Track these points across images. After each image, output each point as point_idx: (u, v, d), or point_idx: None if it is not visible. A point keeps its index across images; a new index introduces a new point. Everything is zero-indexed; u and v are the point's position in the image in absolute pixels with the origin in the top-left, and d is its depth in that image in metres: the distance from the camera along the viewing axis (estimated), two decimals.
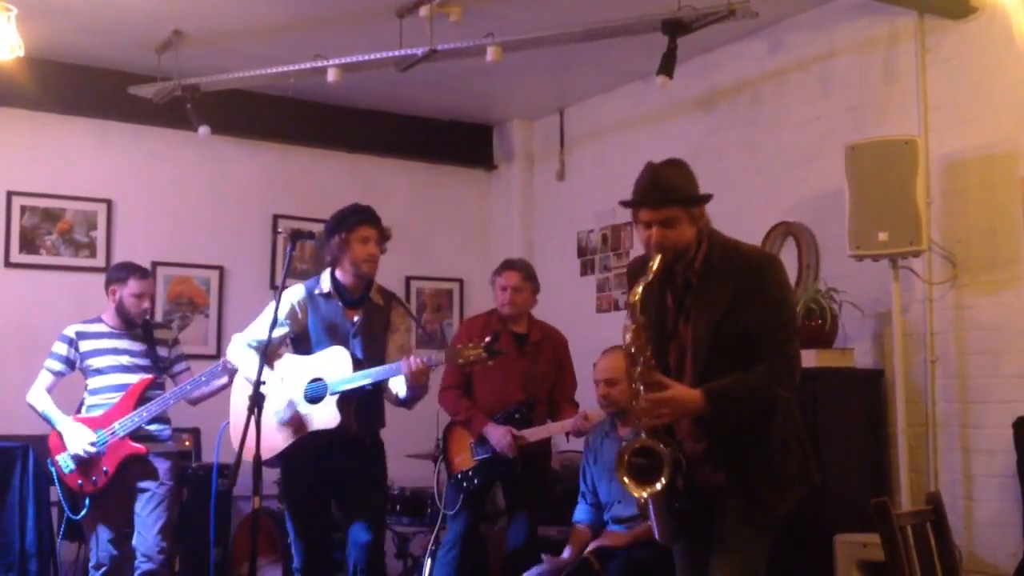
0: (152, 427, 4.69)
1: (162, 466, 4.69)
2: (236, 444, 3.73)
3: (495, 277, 5.06)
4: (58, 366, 4.73)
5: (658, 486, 3.01)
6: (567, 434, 4.95)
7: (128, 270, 4.76)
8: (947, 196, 4.77)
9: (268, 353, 4.10)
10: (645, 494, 3.05)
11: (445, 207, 7.51)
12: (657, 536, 3.22)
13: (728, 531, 3.09)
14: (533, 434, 4.83)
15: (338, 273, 4.24)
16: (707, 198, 3.17)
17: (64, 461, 4.61)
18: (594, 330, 6.51)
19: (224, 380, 4.66)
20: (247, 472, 3.71)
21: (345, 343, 4.14)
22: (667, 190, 3.09)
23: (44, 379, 4.72)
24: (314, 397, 4.08)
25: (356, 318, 4.21)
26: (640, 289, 3.07)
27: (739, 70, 5.85)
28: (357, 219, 4.16)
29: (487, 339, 3.88)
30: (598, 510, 4.62)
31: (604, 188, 6.66)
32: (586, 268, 6.96)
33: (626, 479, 3.07)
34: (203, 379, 4.67)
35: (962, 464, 4.67)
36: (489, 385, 4.94)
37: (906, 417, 4.63)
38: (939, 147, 4.80)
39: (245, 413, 3.78)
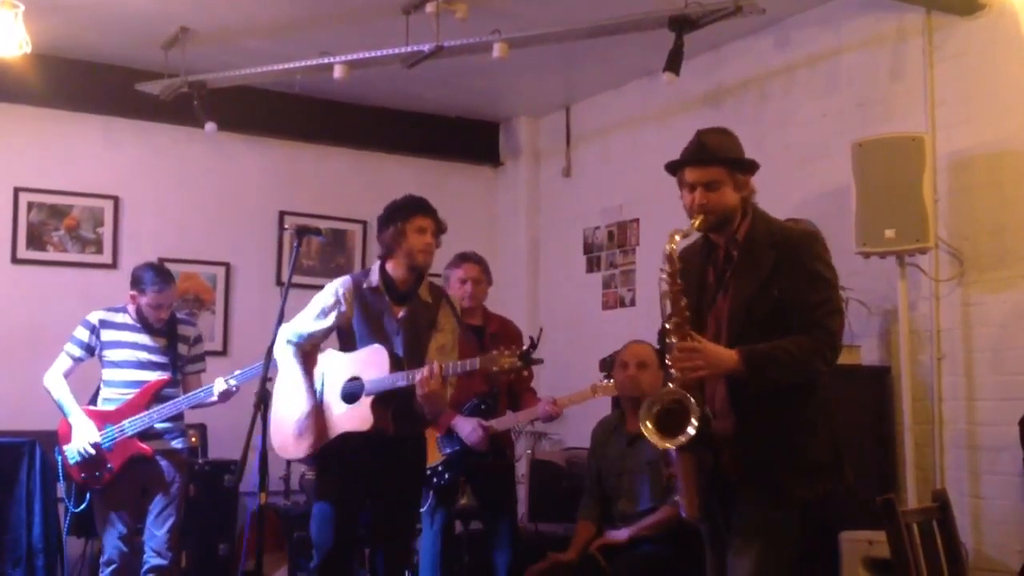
0: (162, 426, 4.68)
1: (171, 466, 4.70)
2: (275, 443, 3.70)
3: (452, 270, 4.95)
4: (78, 352, 4.70)
5: (690, 430, 2.90)
6: (533, 421, 4.88)
7: (147, 280, 4.65)
8: (954, 193, 4.77)
9: (308, 349, 4.06)
10: (669, 445, 2.96)
11: (451, 204, 7.35)
12: (684, 511, 3.13)
13: (747, 518, 3.02)
14: (502, 423, 4.77)
15: (389, 266, 4.10)
16: (753, 164, 3.15)
17: (70, 452, 4.61)
18: (599, 327, 6.52)
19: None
20: (254, 468, 3.73)
21: (389, 339, 4.00)
22: (712, 150, 3.11)
23: (62, 363, 4.69)
24: (349, 396, 3.96)
25: (401, 314, 4.05)
26: (678, 237, 3.03)
27: (746, 67, 5.84)
28: (413, 208, 4.05)
29: (524, 347, 3.74)
30: (604, 505, 4.61)
31: (610, 185, 6.65)
32: (592, 265, 6.95)
33: (650, 426, 2.97)
34: None
35: (968, 462, 4.67)
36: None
37: (912, 414, 4.63)
38: (946, 144, 4.79)
39: (284, 411, 3.78)
